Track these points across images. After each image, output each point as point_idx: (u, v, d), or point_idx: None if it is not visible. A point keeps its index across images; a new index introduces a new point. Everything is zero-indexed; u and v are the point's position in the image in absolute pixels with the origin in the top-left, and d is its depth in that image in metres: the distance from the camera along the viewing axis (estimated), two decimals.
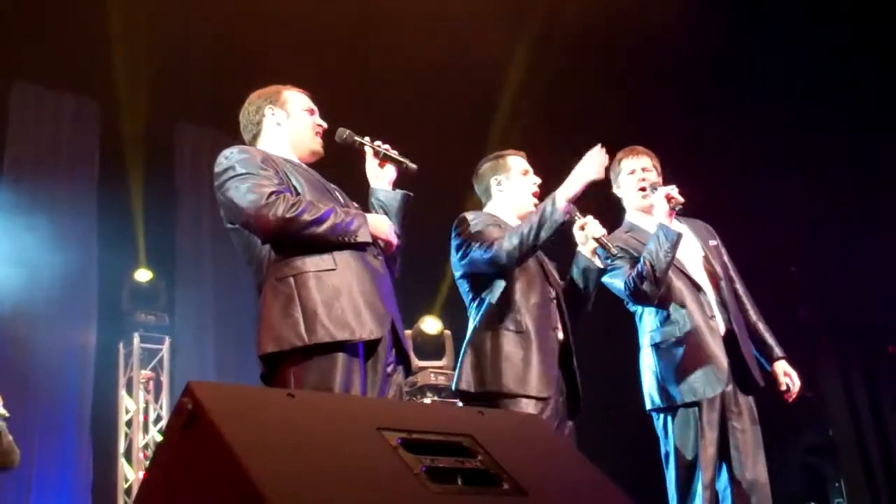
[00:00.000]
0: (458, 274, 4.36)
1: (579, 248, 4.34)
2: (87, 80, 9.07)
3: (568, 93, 8.75)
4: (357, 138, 3.87)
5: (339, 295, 3.41)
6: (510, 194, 4.51)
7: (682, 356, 4.45)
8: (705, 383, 4.39)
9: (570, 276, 4.42)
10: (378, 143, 3.85)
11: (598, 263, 4.34)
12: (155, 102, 9.13)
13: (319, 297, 3.40)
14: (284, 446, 1.99)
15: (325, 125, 3.92)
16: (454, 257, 4.33)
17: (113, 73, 8.92)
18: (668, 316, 4.54)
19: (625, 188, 4.87)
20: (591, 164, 4.08)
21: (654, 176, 4.82)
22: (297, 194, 3.56)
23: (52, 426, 8.20)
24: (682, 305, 4.51)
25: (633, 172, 4.82)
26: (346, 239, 3.48)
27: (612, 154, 4.41)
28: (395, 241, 3.69)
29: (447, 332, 8.71)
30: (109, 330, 9.37)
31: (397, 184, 3.92)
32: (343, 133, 3.90)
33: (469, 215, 4.36)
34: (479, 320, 4.27)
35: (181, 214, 10.11)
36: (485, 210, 4.54)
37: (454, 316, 4.36)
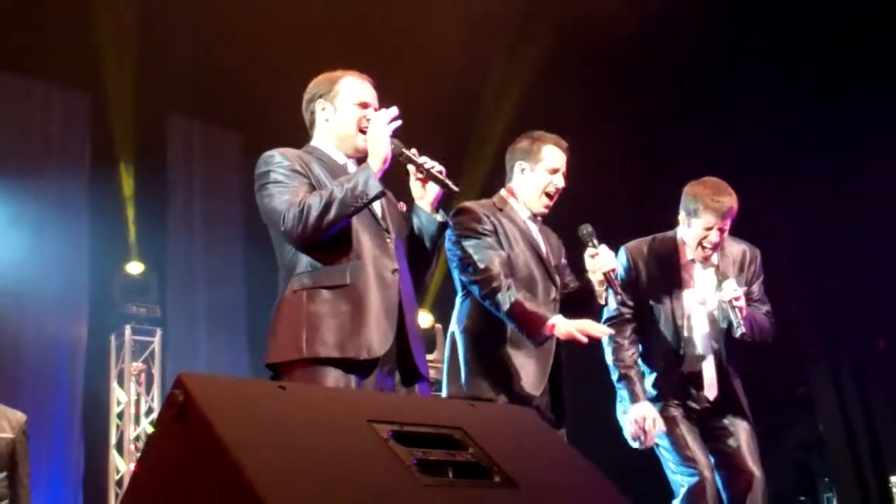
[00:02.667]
0: (451, 264, 4.32)
1: (590, 274, 4.17)
2: (77, 72, 9.04)
3: (549, 91, 8.76)
4: (404, 151, 3.66)
5: (345, 312, 3.45)
6: (526, 186, 4.37)
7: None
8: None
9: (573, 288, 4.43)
10: (424, 159, 3.66)
11: (602, 299, 4.20)
12: (146, 95, 9.12)
13: (325, 313, 3.43)
14: (276, 438, 2.00)
15: None
16: (450, 251, 4.24)
17: (103, 66, 8.91)
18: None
19: (693, 234, 4.60)
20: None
21: (724, 236, 4.60)
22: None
23: (44, 418, 8.17)
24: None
25: (709, 229, 4.54)
26: (362, 202, 3.44)
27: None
28: (388, 154, 3.55)
29: (438, 325, 8.71)
30: (101, 322, 9.37)
31: (438, 205, 3.78)
32: (391, 144, 3.62)
33: (474, 210, 4.25)
34: (463, 319, 4.27)
35: (172, 207, 10.09)
36: (505, 187, 4.43)
37: (445, 310, 4.37)
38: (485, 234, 4.20)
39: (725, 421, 4.58)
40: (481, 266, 4.10)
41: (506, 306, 4.01)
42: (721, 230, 4.56)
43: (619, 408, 4.56)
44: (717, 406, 4.59)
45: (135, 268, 9.51)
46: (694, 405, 4.57)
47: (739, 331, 4.43)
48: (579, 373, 4.43)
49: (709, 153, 8.33)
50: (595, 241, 4.14)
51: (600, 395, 4.79)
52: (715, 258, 4.66)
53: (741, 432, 4.55)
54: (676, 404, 4.55)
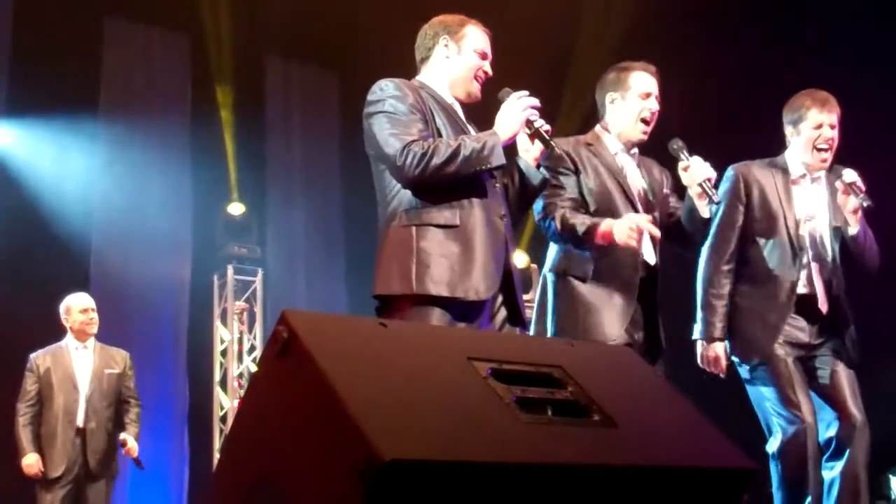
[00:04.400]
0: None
1: (688, 189, 4.12)
2: (176, 14, 9.15)
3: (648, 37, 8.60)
4: None
5: (455, 252, 3.47)
6: (619, 116, 4.29)
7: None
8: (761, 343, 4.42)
9: (680, 213, 4.29)
10: (536, 115, 3.65)
11: (704, 213, 4.12)
12: (244, 36, 9.20)
13: (435, 252, 3.46)
14: (377, 373, 2.02)
15: (490, 73, 3.84)
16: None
17: (201, 8, 9.00)
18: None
19: (805, 140, 4.53)
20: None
21: (837, 136, 4.51)
22: (440, 136, 3.58)
23: (150, 356, 8.41)
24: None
25: (819, 127, 4.48)
26: (482, 167, 3.49)
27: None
28: (521, 127, 3.62)
29: (534, 265, 8.70)
30: (204, 262, 9.58)
31: (538, 164, 3.81)
32: (507, 94, 3.70)
33: (563, 144, 4.19)
34: (550, 260, 4.28)
35: (272, 148, 10.22)
36: (598, 125, 4.37)
37: (541, 249, 4.35)
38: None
39: (827, 357, 4.47)
40: (547, 202, 4.13)
41: (556, 226, 4.04)
42: (832, 126, 4.48)
43: (695, 332, 4.50)
44: (824, 336, 4.47)
45: (236, 208, 9.67)
46: (802, 336, 4.44)
47: (854, 229, 4.37)
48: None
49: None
50: (686, 154, 4.09)
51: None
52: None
53: (842, 371, 4.44)
54: (782, 341, 4.40)
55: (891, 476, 8.04)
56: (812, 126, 4.49)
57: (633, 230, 3.87)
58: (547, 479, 2.00)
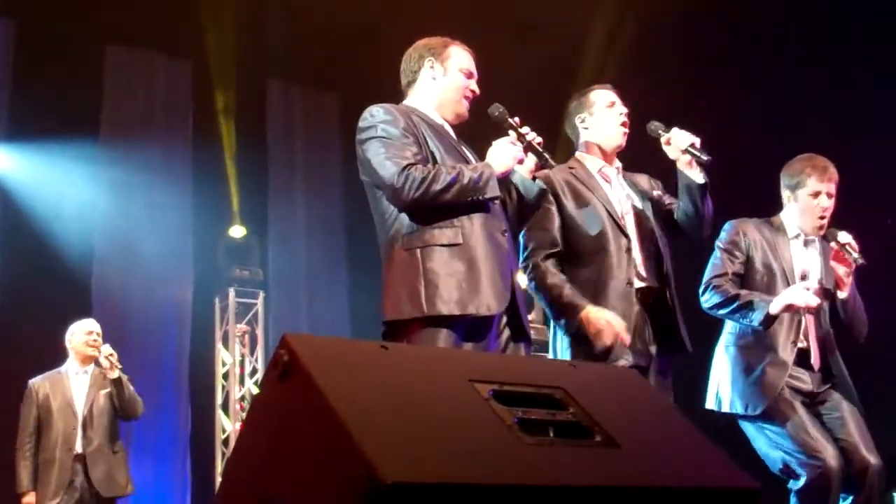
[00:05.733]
0: None
1: (678, 163, 4.10)
2: (178, 39, 9.19)
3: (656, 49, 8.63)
4: (509, 118, 3.76)
5: (461, 270, 3.48)
6: (595, 131, 4.30)
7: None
8: (762, 391, 4.39)
9: (678, 204, 4.23)
10: (526, 129, 3.72)
11: (699, 178, 4.07)
12: (245, 59, 9.23)
13: (442, 272, 3.47)
14: (378, 396, 2.02)
15: (477, 91, 3.88)
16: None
17: (204, 32, 9.04)
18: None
19: (802, 207, 4.58)
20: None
21: (833, 204, 4.55)
22: (434, 160, 3.60)
23: (152, 379, 8.40)
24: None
25: (817, 195, 4.53)
26: (477, 197, 3.52)
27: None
28: (515, 164, 3.68)
29: None
30: (205, 285, 9.57)
31: (534, 176, 3.84)
32: (496, 109, 3.79)
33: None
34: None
35: (274, 171, 10.23)
36: (577, 152, 4.37)
37: None
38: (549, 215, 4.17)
39: (832, 402, 4.46)
40: (529, 247, 4.16)
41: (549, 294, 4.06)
42: (829, 195, 4.51)
43: (755, 320, 4.37)
44: (826, 383, 4.48)
45: (238, 231, 9.68)
46: (803, 386, 4.43)
47: (844, 294, 4.40)
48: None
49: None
50: (662, 130, 4.11)
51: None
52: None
53: (848, 414, 4.42)
54: (785, 387, 4.38)
55: (895, 494, 8.01)
56: (809, 193, 4.54)
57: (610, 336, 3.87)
58: (549, 501, 2.00)
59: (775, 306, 4.25)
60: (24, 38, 8.54)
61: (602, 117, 4.29)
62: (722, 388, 4.55)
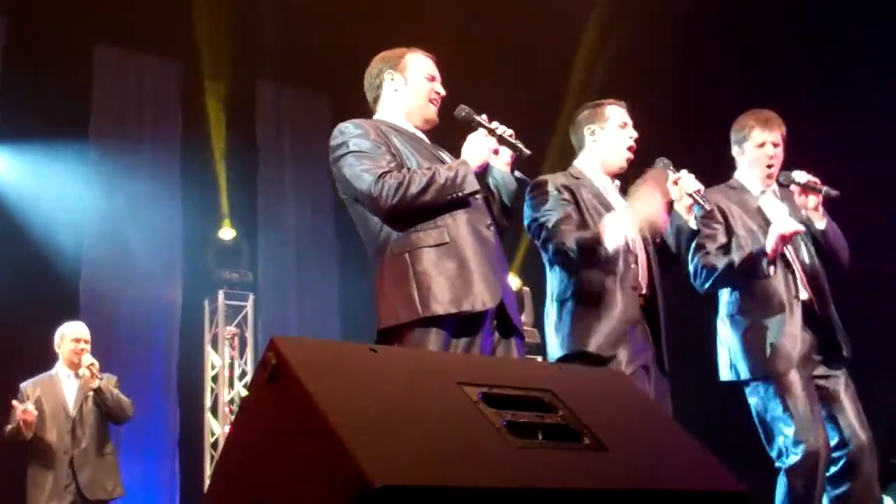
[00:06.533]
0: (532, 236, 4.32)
1: (675, 204, 4.17)
2: (168, 40, 9.18)
3: (644, 51, 8.62)
4: (475, 117, 3.77)
5: (452, 268, 3.50)
6: (603, 146, 4.34)
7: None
8: (776, 361, 4.39)
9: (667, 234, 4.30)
10: (496, 124, 3.75)
11: (693, 224, 4.18)
12: (235, 61, 9.22)
13: (433, 272, 3.49)
14: (367, 399, 2.02)
15: (443, 93, 3.90)
16: (527, 222, 4.26)
17: (194, 33, 9.03)
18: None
19: (749, 159, 4.71)
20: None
21: (781, 153, 4.67)
22: (409, 168, 3.61)
23: (141, 382, 8.37)
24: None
25: (762, 146, 4.67)
26: (457, 194, 3.54)
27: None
28: (489, 158, 3.71)
29: (526, 288, 8.70)
30: (195, 288, 9.55)
31: (512, 167, 3.88)
32: (462, 111, 3.81)
33: (547, 183, 4.24)
34: (552, 288, 4.26)
35: (263, 173, 10.21)
36: (576, 161, 4.42)
37: (533, 272, 4.35)
38: (559, 201, 4.20)
39: (832, 378, 4.49)
40: (548, 225, 4.14)
41: (572, 249, 4.04)
42: (774, 144, 4.65)
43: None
44: (825, 346, 4.50)
45: (227, 233, 9.66)
46: (805, 349, 4.43)
47: (822, 223, 4.50)
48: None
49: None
50: (672, 169, 4.17)
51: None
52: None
53: (845, 394, 4.47)
54: (792, 357, 4.39)
55: (885, 496, 8.04)
56: (755, 145, 4.68)
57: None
58: None
59: (769, 245, 4.34)
60: (13, 39, 8.50)
61: (612, 135, 4.35)
62: (735, 356, 4.55)
